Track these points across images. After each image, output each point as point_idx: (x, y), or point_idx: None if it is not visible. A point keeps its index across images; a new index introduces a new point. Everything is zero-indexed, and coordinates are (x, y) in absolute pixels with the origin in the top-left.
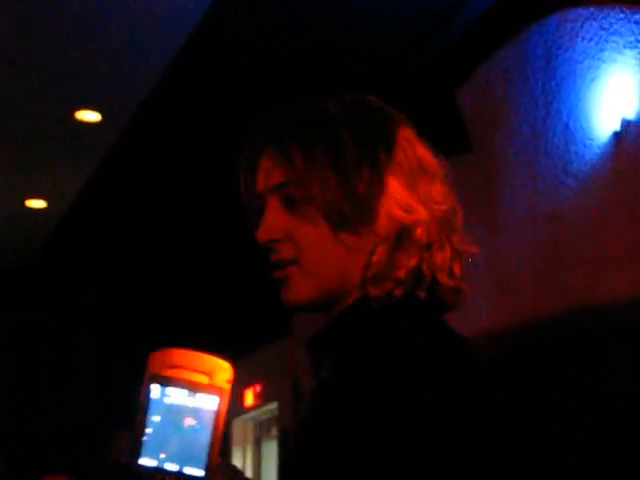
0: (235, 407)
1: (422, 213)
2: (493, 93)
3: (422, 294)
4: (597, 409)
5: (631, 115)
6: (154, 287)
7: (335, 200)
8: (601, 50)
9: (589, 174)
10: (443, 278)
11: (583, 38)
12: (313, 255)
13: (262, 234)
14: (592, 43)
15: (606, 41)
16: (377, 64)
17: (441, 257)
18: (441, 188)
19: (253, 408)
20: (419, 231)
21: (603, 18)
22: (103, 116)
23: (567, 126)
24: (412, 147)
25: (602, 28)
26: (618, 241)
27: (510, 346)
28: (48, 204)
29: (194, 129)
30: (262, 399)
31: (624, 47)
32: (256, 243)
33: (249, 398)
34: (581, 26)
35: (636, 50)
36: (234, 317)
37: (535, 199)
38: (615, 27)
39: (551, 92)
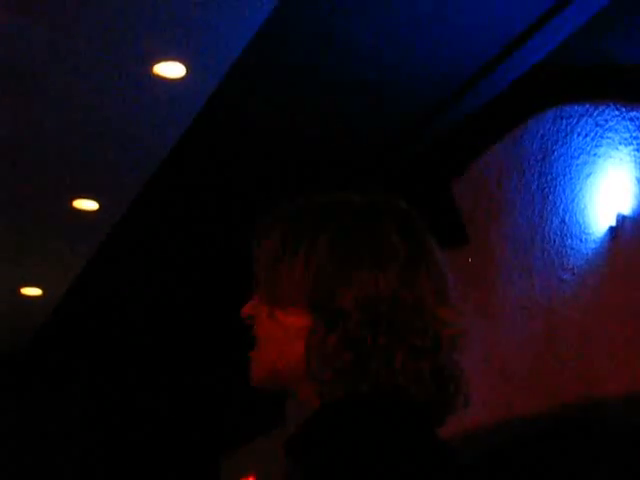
0: None
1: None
2: (490, 187)
3: (383, 393)
4: None
5: (627, 210)
6: (149, 374)
7: (270, 278)
8: (597, 146)
9: (585, 269)
10: (403, 381)
11: (579, 134)
12: (260, 335)
13: (243, 309)
14: (588, 139)
15: (601, 137)
16: (373, 154)
17: (398, 358)
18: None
19: None
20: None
21: (598, 115)
22: (100, 205)
23: (563, 220)
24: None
25: (597, 124)
26: (614, 336)
27: (504, 441)
28: (43, 292)
29: (191, 218)
30: None
31: (619, 143)
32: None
33: None
34: (577, 122)
35: (631, 147)
36: (227, 408)
37: (531, 293)
38: (610, 124)
39: (547, 187)
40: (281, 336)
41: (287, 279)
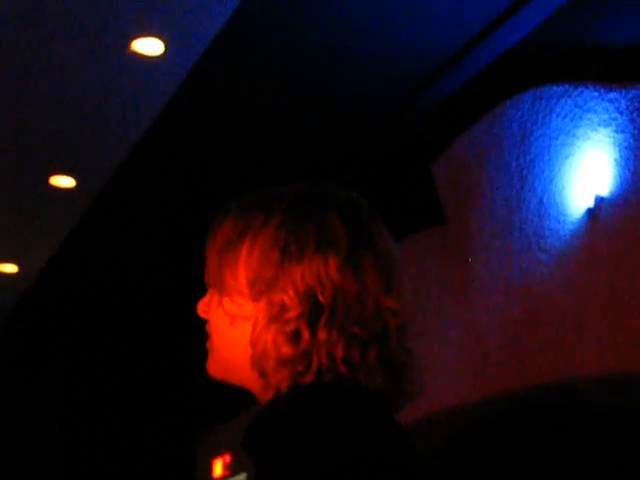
0: (204, 477)
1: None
2: (468, 167)
3: (329, 383)
4: None
5: (605, 192)
6: (124, 355)
7: (218, 268)
8: (575, 127)
9: (562, 250)
10: (347, 371)
11: (558, 115)
12: (212, 326)
13: (198, 304)
14: (567, 120)
15: (580, 118)
16: (352, 137)
17: (339, 347)
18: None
19: (222, 479)
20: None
21: (578, 95)
22: (77, 182)
23: (541, 201)
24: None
25: (577, 105)
26: (592, 317)
27: (479, 422)
28: (19, 269)
29: (169, 196)
30: (231, 470)
31: (598, 125)
32: None
33: (218, 469)
34: (556, 103)
35: (610, 128)
36: (204, 387)
37: (508, 274)
38: (590, 105)
39: (526, 167)
40: (228, 326)
41: (232, 269)
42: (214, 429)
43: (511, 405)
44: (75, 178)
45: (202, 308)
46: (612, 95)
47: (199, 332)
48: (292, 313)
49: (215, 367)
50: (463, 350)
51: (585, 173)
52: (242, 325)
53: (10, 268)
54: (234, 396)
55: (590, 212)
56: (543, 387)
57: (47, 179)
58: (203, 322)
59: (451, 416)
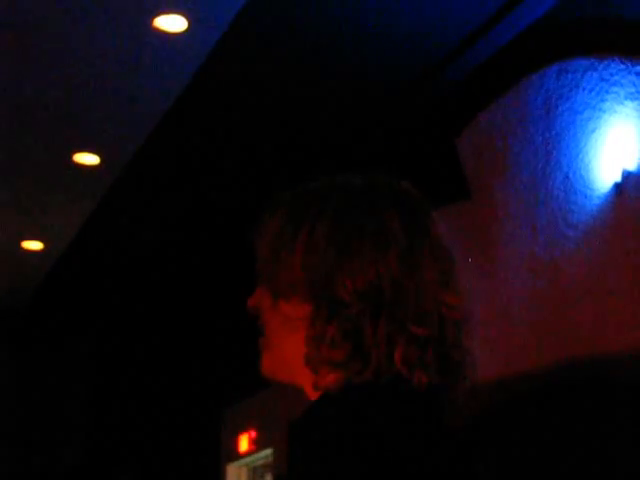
0: (229, 453)
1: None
2: (493, 142)
3: (381, 385)
4: (597, 465)
5: (632, 166)
6: (150, 330)
7: (270, 269)
8: (602, 101)
9: (589, 225)
10: (404, 369)
11: (584, 88)
12: (265, 326)
13: (248, 302)
14: (593, 94)
15: (607, 92)
16: (376, 111)
17: (399, 347)
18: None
19: (247, 454)
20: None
21: (604, 69)
22: (101, 159)
23: (567, 176)
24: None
25: (602, 79)
26: (618, 293)
27: (505, 397)
28: (44, 246)
29: (192, 172)
30: (257, 445)
31: (625, 98)
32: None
33: (244, 444)
34: (581, 76)
35: (637, 101)
36: (230, 362)
37: (534, 249)
38: (615, 78)
39: (551, 142)
40: (283, 327)
41: (286, 268)
42: (239, 405)
43: (537, 381)
44: (99, 155)
45: (253, 304)
46: (638, 68)
47: (227, 305)
48: (352, 310)
49: (269, 366)
50: (488, 325)
51: (612, 147)
52: (299, 324)
53: (35, 245)
54: (259, 371)
55: (617, 186)
56: (569, 363)
57: (71, 157)
58: (230, 294)
59: (474, 392)
